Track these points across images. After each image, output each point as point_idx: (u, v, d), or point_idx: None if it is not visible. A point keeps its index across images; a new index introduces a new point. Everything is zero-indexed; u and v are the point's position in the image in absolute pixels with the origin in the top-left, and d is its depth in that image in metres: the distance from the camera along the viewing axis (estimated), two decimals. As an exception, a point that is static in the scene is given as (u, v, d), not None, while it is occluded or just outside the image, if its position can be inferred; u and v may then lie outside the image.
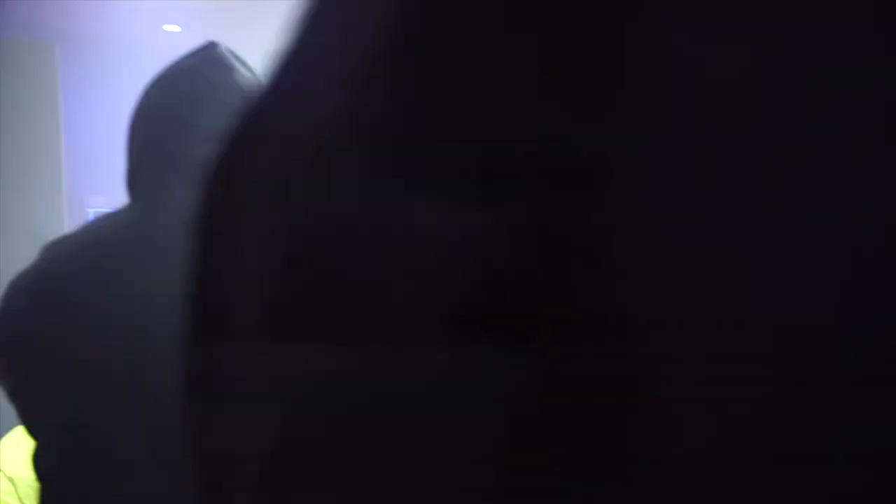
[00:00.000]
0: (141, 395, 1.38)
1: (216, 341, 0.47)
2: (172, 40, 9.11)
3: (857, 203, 0.41)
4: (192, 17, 8.64)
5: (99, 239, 1.47)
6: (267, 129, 0.47)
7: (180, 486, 1.36)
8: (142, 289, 1.40)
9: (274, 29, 8.59)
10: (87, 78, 7.45)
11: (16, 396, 1.53)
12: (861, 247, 0.40)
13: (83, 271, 1.45)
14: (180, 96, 1.49)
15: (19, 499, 3.45)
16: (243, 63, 1.59)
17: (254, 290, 0.44)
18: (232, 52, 1.60)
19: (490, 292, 0.43)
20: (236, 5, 8.14)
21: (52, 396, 1.45)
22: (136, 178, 1.51)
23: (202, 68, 1.51)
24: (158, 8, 8.13)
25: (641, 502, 0.42)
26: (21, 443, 3.55)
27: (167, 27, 8.95)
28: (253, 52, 8.95)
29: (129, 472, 1.39)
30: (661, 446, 0.42)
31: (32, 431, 1.54)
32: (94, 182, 9.73)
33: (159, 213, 1.45)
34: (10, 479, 3.47)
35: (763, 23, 0.44)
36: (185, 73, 1.51)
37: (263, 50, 8.92)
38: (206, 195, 0.48)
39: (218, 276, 0.46)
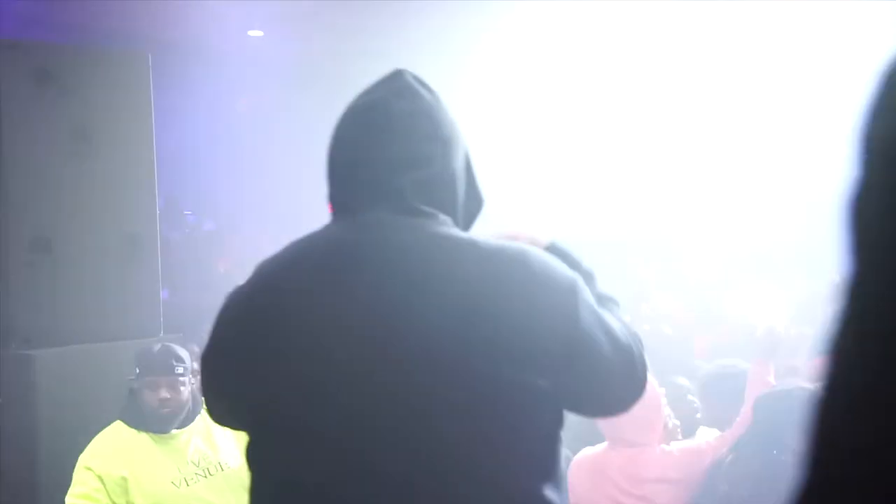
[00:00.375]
0: (351, 407, 1.52)
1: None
2: (256, 45, 9.30)
3: None
4: (274, 22, 8.81)
5: (308, 256, 1.66)
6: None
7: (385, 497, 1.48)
8: (352, 305, 1.56)
9: (352, 32, 8.68)
10: (177, 85, 7.66)
11: (227, 394, 1.72)
12: None
13: (297, 287, 1.62)
14: (371, 128, 1.69)
15: (108, 495, 3.57)
16: (427, 88, 1.75)
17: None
18: (417, 78, 1.77)
19: None
20: (316, 9, 8.26)
21: (266, 397, 1.61)
22: (337, 201, 1.74)
23: (391, 100, 1.70)
24: (243, 14, 8.30)
25: None
26: (110, 443, 3.67)
27: (251, 33, 9.14)
28: (334, 56, 9.05)
29: (336, 476, 1.51)
30: None
31: (244, 426, 1.73)
32: (185, 187, 10.01)
33: (362, 234, 1.63)
34: (100, 477, 3.61)
35: None
36: (377, 106, 1.71)
37: (344, 53, 9.05)
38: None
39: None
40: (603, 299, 1.72)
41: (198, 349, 3.72)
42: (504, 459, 1.54)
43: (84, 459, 3.58)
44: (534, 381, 1.53)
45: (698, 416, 4.11)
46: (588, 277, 1.72)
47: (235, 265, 9.15)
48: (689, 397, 4.28)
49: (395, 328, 1.53)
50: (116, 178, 4.49)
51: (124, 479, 3.50)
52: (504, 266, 1.58)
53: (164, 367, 3.62)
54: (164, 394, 3.59)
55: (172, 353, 3.67)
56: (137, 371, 3.66)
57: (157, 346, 3.74)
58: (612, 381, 1.63)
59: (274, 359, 1.60)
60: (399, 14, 8.19)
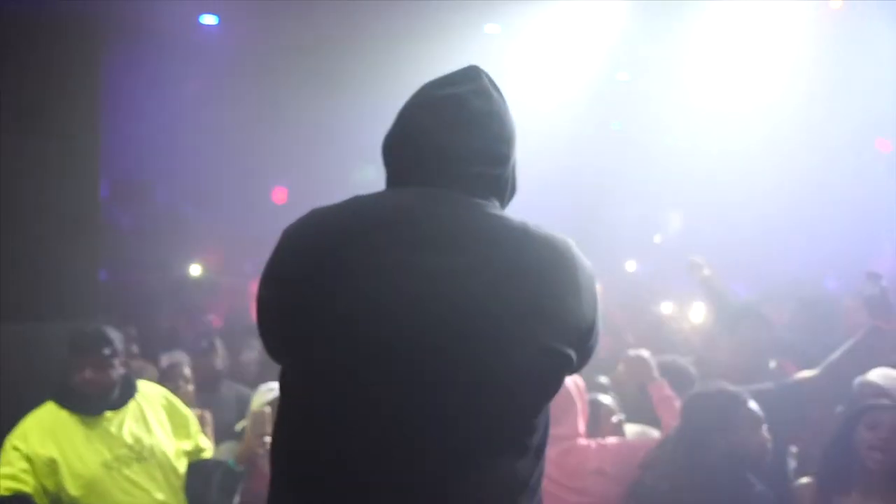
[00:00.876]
0: (392, 358, 1.60)
1: None
2: (210, 32, 9.21)
3: None
4: (228, 9, 8.75)
5: (368, 211, 1.77)
6: None
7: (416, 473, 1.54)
8: (408, 260, 1.65)
9: (307, 22, 8.66)
10: (126, 64, 7.57)
11: (280, 319, 1.72)
12: None
13: (358, 235, 1.70)
14: (450, 120, 1.82)
15: (35, 476, 3.54)
16: (498, 90, 1.92)
17: None
18: (490, 79, 1.92)
19: None
20: (271, -3, 8.21)
21: (316, 329, 1.64)
22: (398, 178, 1.86)
23: (471, 99, 1.85)
24: (197, 0, 8.23)
25: None
26: (40, 423, 3.63)
27: (205, 19, 9.06)
28: (289, 45, 8.95)
29: (367, 418, 1.58)
30: None
31: (290, 354, 1.71)
32: (132, 171, 9.88)
33: (419, 199, 1.75)
34: (28, 458, 3.56)
35: None
36: (458, 101, 1.83)
37: (298, 43, 9.02)
38: None
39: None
40: None
41: (135, 331, 3.72)
42: (531, 419, 1.71)
43: (12, 439, 3.55)
44: (569, 353, 1.72)
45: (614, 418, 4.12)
46: None
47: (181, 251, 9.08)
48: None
49: (452, 293, 1.63)
50: (60, 158, 4.45)
51: (53, 460, 3.48)
52: (556, 253, 1.75)
53: (93, 348, 3.61)
54: (90, 374, 3.58)
55: (102, 334, 3.66)
56: (69, 351, 3.65)
57: (89, 328, 3.73)
58: (595, 345, 1.86)
59: (329, 297, 1.64)
60: (355, 4, 8.19)
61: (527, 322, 1.65)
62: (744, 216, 12.71)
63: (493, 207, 1.81)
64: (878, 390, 3.78)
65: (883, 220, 12.98)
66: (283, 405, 1.74)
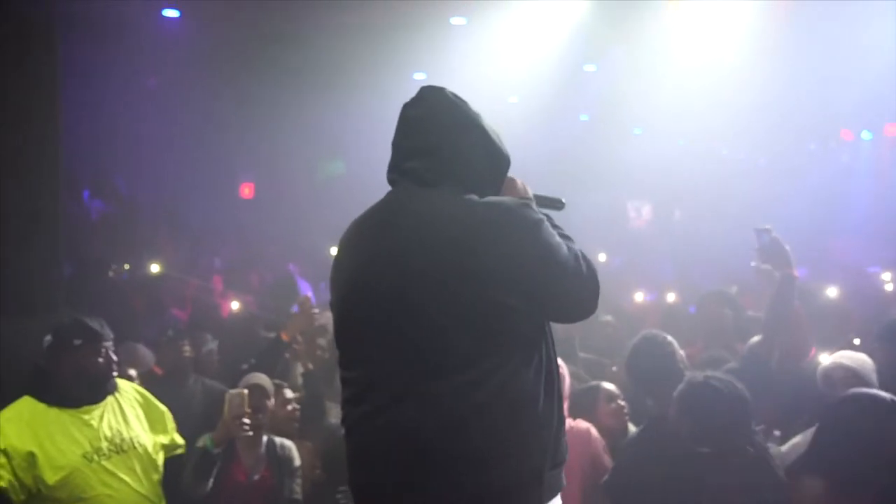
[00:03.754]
0: (371, 309, 2.22)
1: None
2: (172, 25, 9.10)
3: None
4: (190, 2, 8.64)
5: (365, 214, 2.38)
6: None
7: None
8: (378, 246, 2.26)
9: (273, 14, 8.58)
10: (88, 58, 7.46)
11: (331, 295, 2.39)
12: None
13: (355, 233, 2.37)
14: (398, 133, 2.39)
15: (13, 471, 3.49)
16: (438, 95, 2.41)
17: None
18: (433, 90, 2.42)
19: None
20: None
21: (336, 297, 2.37)
22: (394, 173, 2.38)
23: (408, 110, 2.40)
24: (158, -8, 8.12)
25: None
26: (18, 418, 3.58)
27: (167, 12, 8.94)
28: (253, 38, 8.76)
29: (360, 351, 2.28)
30: None
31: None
32: (92, 166, 9.75)
33: (389, 200, 2.33)
34: (4, 452, 3.51)
35: None
36: (401, 117, 2.40)
37: (264, 34, 8.94)
38: None
39: None
40: (563, 237, 2.30)
41: (106, 327, 3.68)
42: (483, 357, 2.16)
43: (-12, 436, 3.50)
44: (504, 300, 2.15)
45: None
46: (552, 222, 2.33)
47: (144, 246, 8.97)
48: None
49: (403, 261, 2.21)
50: (20, 153, 4.37)
51: (32, 453, 3.43)
52: (485, 211, 2.21)
53: (95, 336, 3.59)
54: (84, 363, 3.56)
55: (100, 324, 3.65)
56: (50, 345, 3.59)
57: (70, 320, 3.68)
58: (569, 293, 2.24)
59: (339, 274, 2.37)
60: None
61: (455, 278, 2.15)
62: (709, 206, 12.84)
63: (443, 191, 2.28)
64: (848, 372, 3.82)
65: (846, 207, 13.18)
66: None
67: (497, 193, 2.35)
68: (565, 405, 3.71)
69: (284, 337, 4.83)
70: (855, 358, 3.98)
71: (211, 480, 3.86)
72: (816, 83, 9.71)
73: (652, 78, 9.77)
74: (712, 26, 8.76)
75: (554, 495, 2.20)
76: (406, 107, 2.42)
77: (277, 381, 4.48)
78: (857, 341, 4.46)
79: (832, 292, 6.92)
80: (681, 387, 3.45)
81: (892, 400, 3.20)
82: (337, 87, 9.36)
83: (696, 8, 8.53)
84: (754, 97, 9.63)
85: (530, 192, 2.46)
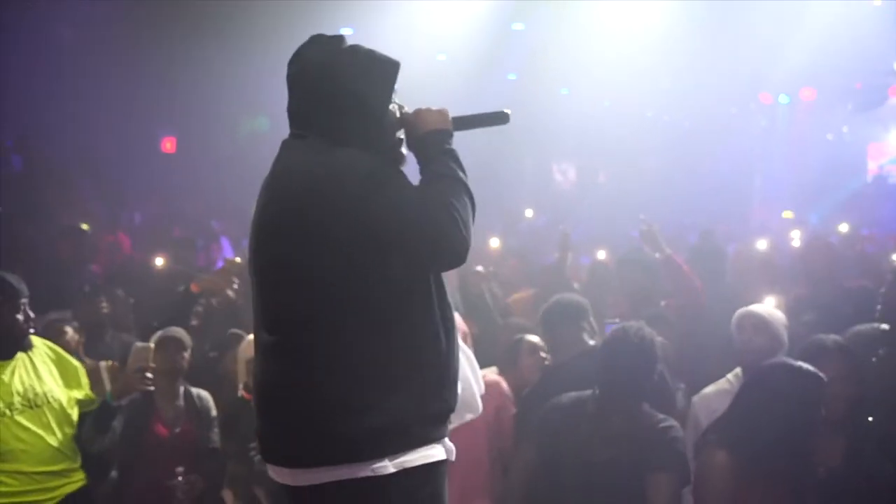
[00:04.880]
0: (252, 258, 2.31)
1: None
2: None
3: None
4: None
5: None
6: None
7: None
8: (257, 210, 2.30)
9: None
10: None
11: None
12: None
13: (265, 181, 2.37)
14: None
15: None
16: (312, 47, 2.38)
17: None
18: (315, 41, 2.38)
19: None
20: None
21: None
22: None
23: (288, 69, 2.36)
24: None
25: None
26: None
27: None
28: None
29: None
30: None
31: None
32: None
33: (282, 155, 2.33)
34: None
35: None
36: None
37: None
38: None
39: None
40: (445, 177, 2.29)
41: (22, 282, 3.61)
42: (318, 316, 2.21)
43: None
44: (341, 257, 2.17)
45: None
46: (449, 154, 2.34)
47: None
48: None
49: (259, 216, 2.29)
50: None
51: (-58, 409, 3.38)
52: (326, 167, 2.21)
53: (13, 291, 3.52)
54: (6, 319, 3.50)
55: (16, 279, 3.59)
56: None
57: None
58: (418, 245, 2.19)
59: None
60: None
61: (293, 234, 2.20)
62: (634, 166, 13.05)
63: (308, 142, 2.31)
64: (758, 319, 3.99)
65: (763, 169, 13.55)
66: None
67: (379, 134, 2.35)
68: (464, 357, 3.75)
69: (194, 288, 4.76)
70: (769, 309, 4.14)
71: (109, 433, 3.81)
72: (738, 47, 9.91)
73: (579, 39, 9.81)
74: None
75: (422, 445, 2.21)
76: (287, 66, 2.43)
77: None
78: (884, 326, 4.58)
79: (762, 245, 7.15)
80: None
81: (813, 373, 3.26)
82: (262, 41, 9.15)
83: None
84: (678, 60, 9.78)
85: (447, 116, 2.40)
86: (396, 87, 2.39)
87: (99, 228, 8.40)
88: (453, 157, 2.33)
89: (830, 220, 10.10)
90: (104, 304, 5.14)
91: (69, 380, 3.74)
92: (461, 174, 2.30)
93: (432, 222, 2.17)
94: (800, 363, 3.35)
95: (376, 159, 2.25)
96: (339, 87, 2.33)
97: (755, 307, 4.12)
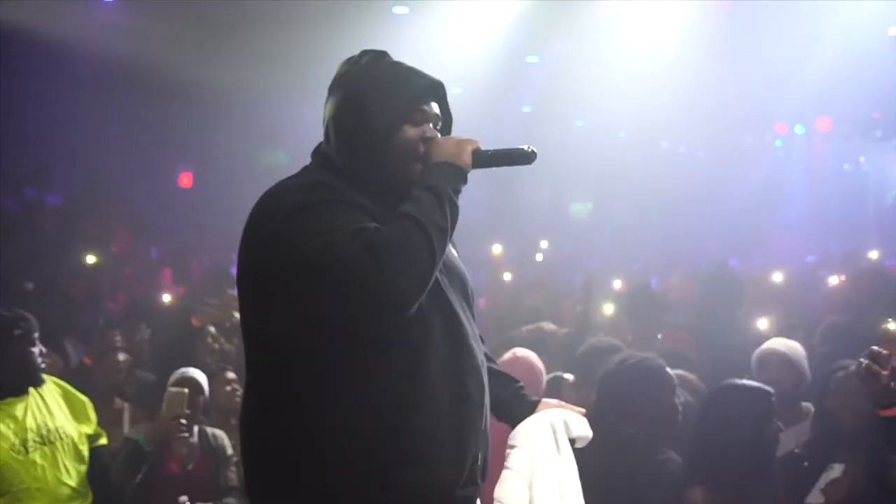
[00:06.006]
0: None
1: None
2: (105, 9, 8.87)
3: None
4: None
5: None
6: None
7: None
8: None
9: (210, 3, 8.43)
10: (21, 46, 7.19)
11: None
12: None
13: None
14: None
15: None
16: (350, 67, 2.13)
17: None
18: (350, 61, 2.13)
19: None
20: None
21: None
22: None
23: (341, 73, 2.11)
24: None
25: None
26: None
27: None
28: (190, 23, 8.57)
29: None
30: None
31: None
32: None
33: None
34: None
35: None
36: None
37: (202, 19, 8.77)
38: None
39: None
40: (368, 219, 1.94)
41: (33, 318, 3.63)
42: (251, 367, 2.02)
43: None
44: (253, 301, 1.99)
45: None
46: (434, 193, 1.98)
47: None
48: None
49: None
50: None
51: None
52: (258, 202, 2.02)
53: (28, 327, 3.55)
54: (24, 353, 3.53)
55: (28, 315, 3.62)
56: None
57: (8, 311, 3.63)
58: (333, 294, 1.87)
59: None
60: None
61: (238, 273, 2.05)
62: (651, 198, 13.02)
63: (300, 172, 2.10)
64: (782, 357, 3.96)
65: (781, 199, 13.48)
66: None
67: (378, 159, 2.02)
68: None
69: (194, 322, 4.74)
70: (788, 344, 4.10)
71: (139, 476, 3.80)
72: (752, 77, 9.90)
73: (594, 71, 9.84)
74: (652, 20, 8.87)
75: None
76: None
77: (221, 365, 4.45)
78: None
79: (777, 278, 7.12)
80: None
81: (760, 388, 3.33)
82: (278, 76, 9.24)
83: (637, 1, 8.63)
84: (693, 90, 9.78)
85: (465, 148, 2.05)
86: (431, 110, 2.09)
87: (122, 263, 8.44)
88: (438, 198, 1.96)
89: (850, 250, 10.02)
90: (118, 339, 5.15)
91: (78, 415, 3.73)
92: (432, 221, 1.92)
93: (345, 261, 1.84)
94: (745, 381, 3.40)
95: (322, 186, 1.96)
96: (339, 100, 2.07)
97: (775, 343, 4.09)
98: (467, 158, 2.06)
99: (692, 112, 10.59)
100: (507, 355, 4.01)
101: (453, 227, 1.98)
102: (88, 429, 3.73)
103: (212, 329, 4.87)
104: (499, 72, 9.57)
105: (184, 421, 3.79)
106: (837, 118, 12.29)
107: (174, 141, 10.64)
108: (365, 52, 2.14)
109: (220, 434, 4.20)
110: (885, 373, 2.53)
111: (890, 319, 2.75)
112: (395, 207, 1.95)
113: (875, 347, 2.59)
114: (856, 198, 12.99)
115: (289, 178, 2.05)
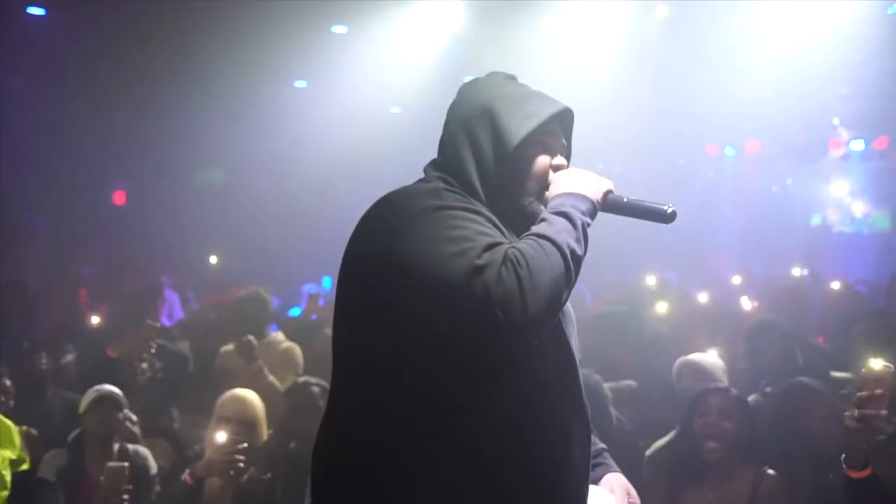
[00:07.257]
0: None
1: None
2: (37, 22, 8.69)
3: None
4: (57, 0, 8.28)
5: None
6: None
7: None
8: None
9: (146, 14, 8.31)
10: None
11: None
12: None
13: None
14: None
15: None
16: (465, 84, 2.25)
17: None
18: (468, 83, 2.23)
19: None
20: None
21: None
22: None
23: (462, 93, 2.24)
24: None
25: None
26: None
27: (32, 10, 8.53)
28: (125, 38, 8.44)
29: None
30: None
31: None
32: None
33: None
34: None
35: None
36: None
37: (137, 34, 8.63)
38: None
39: None
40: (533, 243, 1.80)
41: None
42: (337, 379, 1.92)
43: None
44: (359, 309, 1.86)
45: None
46: (567, 218, 1.87)
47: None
48: None
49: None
50: None
51: None
52: (375, 203, 1.92)
53: None
54: None
55: None
56: None
57: None
58: (447, 315, 1.73)
59: None
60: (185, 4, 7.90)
61: (340, 281, 1.94)
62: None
63: (417, 181, 2.03)
64: (697, 368, 4.21)
65: (712, 220, 13.76)
66: None
67: (493, 176, 1.96)
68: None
69: (110, 353, 4.57)
70: (704, 357, 4.33)
71: None
72: (685, 100, 10.12)
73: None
74: (587, 43, 9.02)
75: None
76: None
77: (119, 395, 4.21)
78: None
79: (703, 298, 7.28)
80: None
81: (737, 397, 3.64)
82: (217, 93, 9.13)
83: (571, 22, 8.77)
84: (628, 112, 9.94)
85: (600, 188, 1.99)
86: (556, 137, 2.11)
87: (53, 282, 8.23)
88: (575, 226, 1.84)
89: (777, 270, 10.30)
90: (43, 361, 4.98)
91: (1, 439, 3.63)
92: (569, 247, 1.78)
93: (494, 297, 1.67)
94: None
95: (451, 194, 1.89)
96: (469, 109, 2.10)
97: (692, 356, 4.33)
98: (601, 198, 2.00)
99: (627, 133, 10.76)
100: None
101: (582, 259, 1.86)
102: (12, 454, 3.63)
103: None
104: (437, 91, 9.59)
105: (125, 497, 3.55)
106: (766, 141, 12.63)
107: (109, 157, 10.44)
108: (495, 73, 2.20)
109: (143, 451, 4.07)
110: (858, 426, 2.47)
111: (869, 357, 2.66)
112: (507, 226, 1.90)
113: (862, 393, 2.51)
114: (783, 218, 13.34)
115: (408, 186, 1.98)
